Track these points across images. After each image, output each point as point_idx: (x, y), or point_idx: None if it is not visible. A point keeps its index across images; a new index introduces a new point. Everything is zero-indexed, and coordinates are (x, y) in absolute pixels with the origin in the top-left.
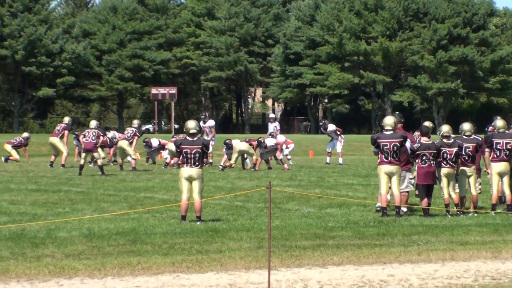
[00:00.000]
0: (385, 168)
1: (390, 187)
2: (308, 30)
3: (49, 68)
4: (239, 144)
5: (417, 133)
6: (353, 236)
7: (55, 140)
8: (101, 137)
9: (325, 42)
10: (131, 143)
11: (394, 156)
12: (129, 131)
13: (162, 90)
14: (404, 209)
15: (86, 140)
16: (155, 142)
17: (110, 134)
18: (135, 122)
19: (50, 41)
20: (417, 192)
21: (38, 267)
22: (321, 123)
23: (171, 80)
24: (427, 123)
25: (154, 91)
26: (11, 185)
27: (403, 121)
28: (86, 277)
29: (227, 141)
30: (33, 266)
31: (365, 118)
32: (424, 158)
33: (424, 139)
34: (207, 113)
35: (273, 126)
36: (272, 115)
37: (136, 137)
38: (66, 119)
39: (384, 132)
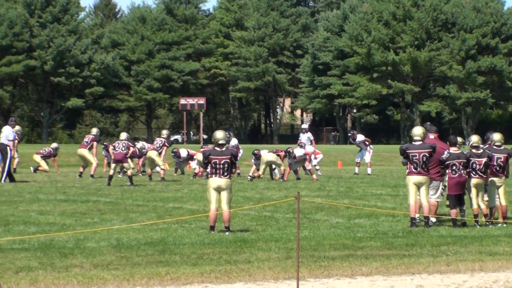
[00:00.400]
0: (414, 179)
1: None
2: (336, 41)
3: (78, 78)
4: (266, 155)
5: None
6: (382, 246)
7: (83, 151)
8: (131, 148)
9: (354, 53)
10: (160, 154)
11: (423, 166)
12: (158, 141)
13: (190, 101)
14: (433, 219)
15: (116, 151)
16: (183, 152)
17: (139, 144)
18: (164, 133)
19: (79, 51)
20: (447, 202)
21: (67, 277)
22: (349, 134)
23: (200, 90)
24: (458, 138)
25: (182, 101)
26: (40, 195)
27: (434, 130)
28: None
29: (255, 151)
30: (61, 277)
31: (393, 128)
32: (454, 168)
33: (453, 149)
34: (231, 133)
35: (306, 137)
36: (304, 126)
37: (165, 148)
38: (94, 130)
39: (413, 143)
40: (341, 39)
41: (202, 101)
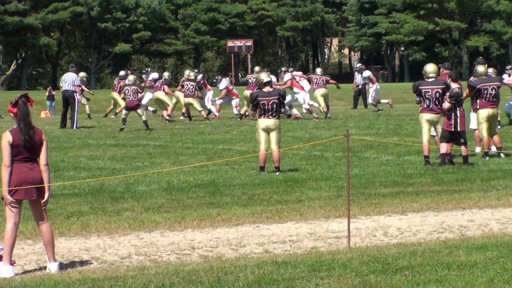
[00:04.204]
0: (427, 116)
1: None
2: None
3: (125, 23)
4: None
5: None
6: (432, 182)
7: (115, 94)
8: (140, 94)
9: None
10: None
11: (436, 103)
12: (189, 86)
13: (238, 43)
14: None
15: (128, 98)
16: (223, 84)
17: (151, 75)
18: (192, 75)
19: None
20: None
21: (118, 221)
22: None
23: (247, 32)
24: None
25: (230, 43)
26: (89, 140)
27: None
28: (166, 230)
29: None
30: (113, 220)
31: None
32: None
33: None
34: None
35: (361, 77)
36: (358, 65)
37: (196, 92)
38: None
39: (426, 79)
40: None
41: (249, 43)
